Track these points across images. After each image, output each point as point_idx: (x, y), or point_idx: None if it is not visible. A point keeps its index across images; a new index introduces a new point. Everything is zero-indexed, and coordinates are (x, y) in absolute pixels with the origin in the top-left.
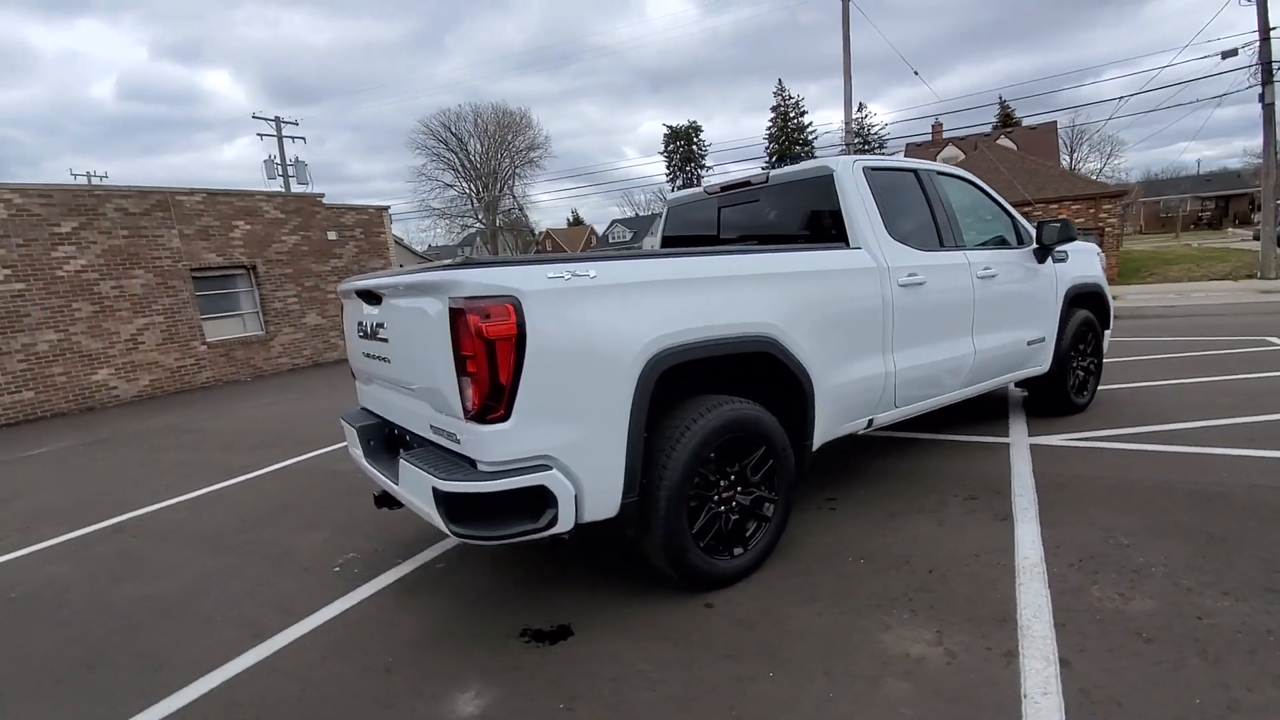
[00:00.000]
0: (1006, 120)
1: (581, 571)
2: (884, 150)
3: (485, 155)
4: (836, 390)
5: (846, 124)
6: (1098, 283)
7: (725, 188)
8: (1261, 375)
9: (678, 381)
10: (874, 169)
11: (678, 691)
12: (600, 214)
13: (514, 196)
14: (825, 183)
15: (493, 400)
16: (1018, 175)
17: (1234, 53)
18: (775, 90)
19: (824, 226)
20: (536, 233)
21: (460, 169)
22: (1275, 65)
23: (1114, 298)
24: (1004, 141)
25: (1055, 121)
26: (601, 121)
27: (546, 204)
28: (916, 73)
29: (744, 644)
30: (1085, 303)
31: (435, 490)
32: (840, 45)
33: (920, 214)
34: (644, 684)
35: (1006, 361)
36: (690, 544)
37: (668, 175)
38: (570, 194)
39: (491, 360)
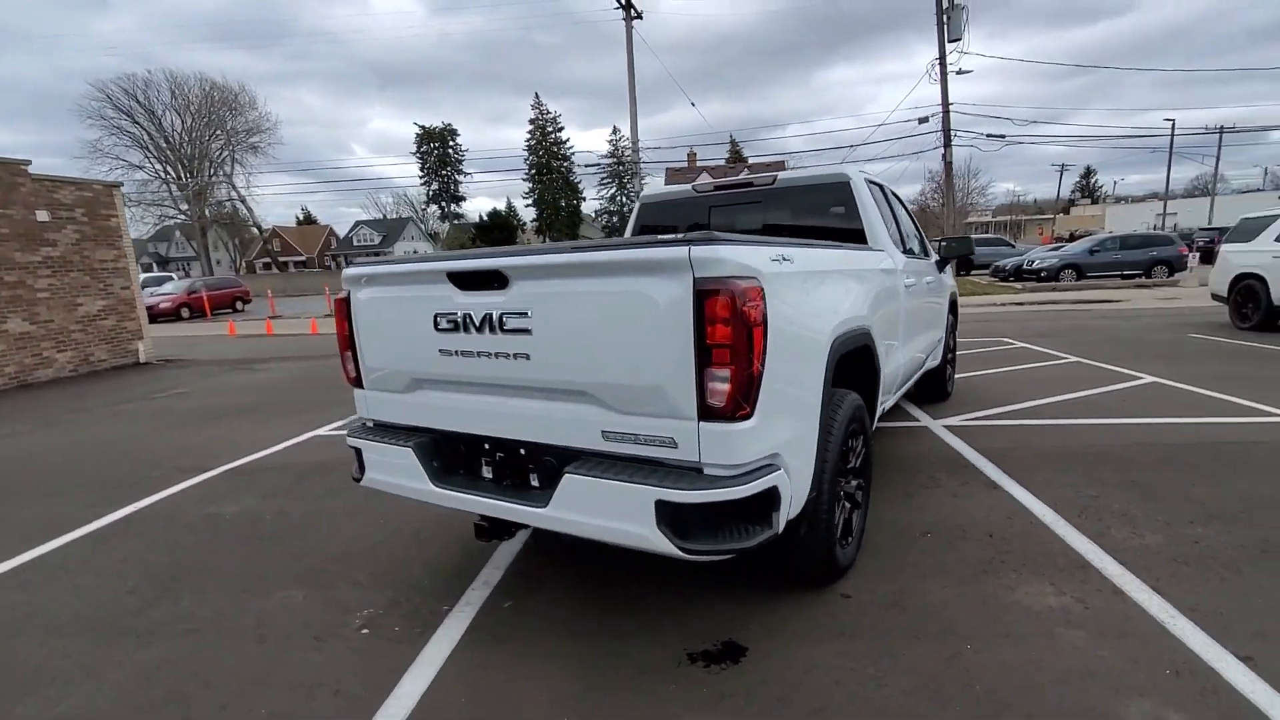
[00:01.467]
0: (737, 157)
1: (663, 583)
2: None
3: (189, 134)
4: (884, 381)
5: (634, 143)
6: (955, 290)
7: (720, 187)
8: (1029, 366)
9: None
10: (868, 180)
11: (911, 682)
12: (331, 214)
13: (234, 186)
14: (843, 188)
15: (744, 395)
16: None
17: (926, 119)
18: (533, 104)
19: (839, 230)
20: (262, 229)
21: (153, 148)
22: (953, 132)
23: None
24: (744, 175)
25: (783, 161)
26: (324, 112)
27: (263, 198)
28: (694, 104)
29: (916, 626)
30: (952, 307)
31: (662, 503)
32: (625, 66)
33: (891, 223)
34: (872, 680)
35: (931, 355)
36: (837, 537)
37: (422, 178)
38: (293, 189)
39: (749, 349)
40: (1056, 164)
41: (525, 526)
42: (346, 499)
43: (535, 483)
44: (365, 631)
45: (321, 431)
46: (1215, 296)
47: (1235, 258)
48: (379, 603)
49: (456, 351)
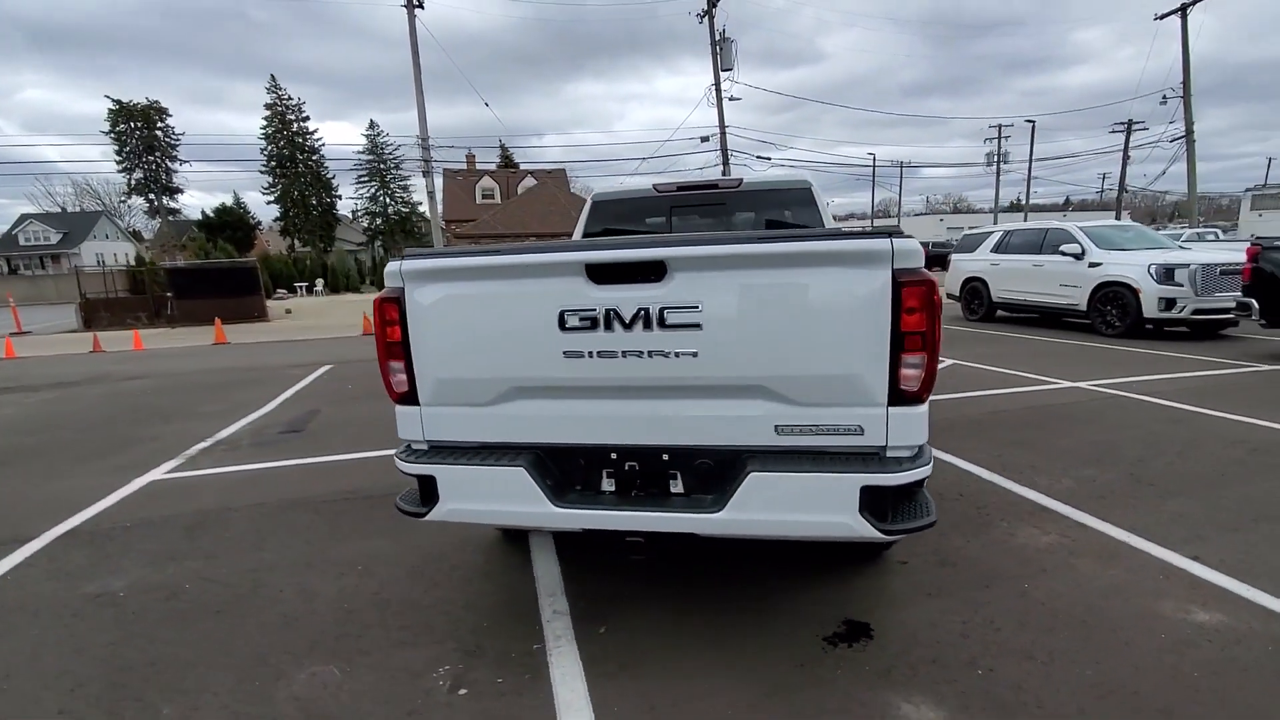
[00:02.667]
0: (508, 162)
1: (732, 580)
2: (399, 171)
3: None
4: None
5: (423, 137)
6: None
7: (683, 187)
8: None
9: None
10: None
11: (1013, 619)
12: None
13: None
14: (805, 193)
15: (930, 380)
16: (576, 211)
17: (707, 139)
18: (269, 87)
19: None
20: None
21: None
22: (732, 152)
23: None
24: (530, 181)
25: (564, 170)
26: None
27: None
28: (487, 104)
29: (975, 576)
30: None
31: (866, 489)
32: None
33: None
34: (986, 624)
35: None
36: None
37: (120, 165)
38: None
39: (935, 336)
40: None
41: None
42: (283, 551)
43: (680, 489)
44: (463, 692)
45: (158, 475)
46: (949, 295)
47: (963, 265)
48: (447, 657)
49: (591, 353)
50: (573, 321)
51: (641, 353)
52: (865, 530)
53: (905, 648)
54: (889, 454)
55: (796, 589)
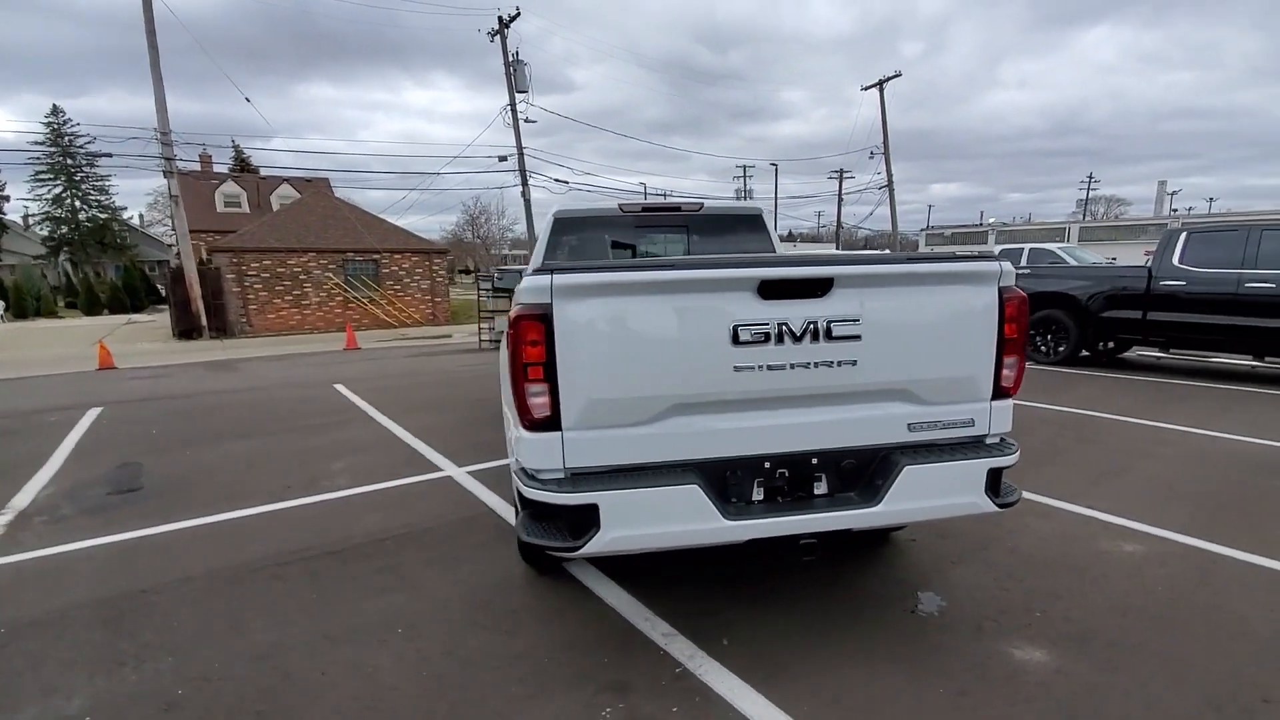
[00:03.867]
0: (244, 166)
1: (793, 570)
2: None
3: None
4: None
5: (163, 133)
6: None
7: (648, 208)
8: None
9: None
10: None
11: (1040, 573)
12: None
13: None
14: (758, 219)
15: (1021, 378)
16: (365, 225)
17: (504, 159)
18: None
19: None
20: None
21: None
22: (530, 173)
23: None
24: (286, 189)
25: (328, 179)
26: None
27: None
28: (249, 99)
29: (962, 546)
30: None
31: (992, 470)
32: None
33: None
34: (1024, 578)
35: None
36: None
37: None
38: None
39: (1024, 340)
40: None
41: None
42: (278, 629)
43: (824, 490)
44: None
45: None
46: None
47: None
48: (598, 699)
49: (761, 366)
50: (746, 336)
51: (808, 364)
52: (988, 507)
53: (973, 607)
54: (987, 441)
55: (855, 576)
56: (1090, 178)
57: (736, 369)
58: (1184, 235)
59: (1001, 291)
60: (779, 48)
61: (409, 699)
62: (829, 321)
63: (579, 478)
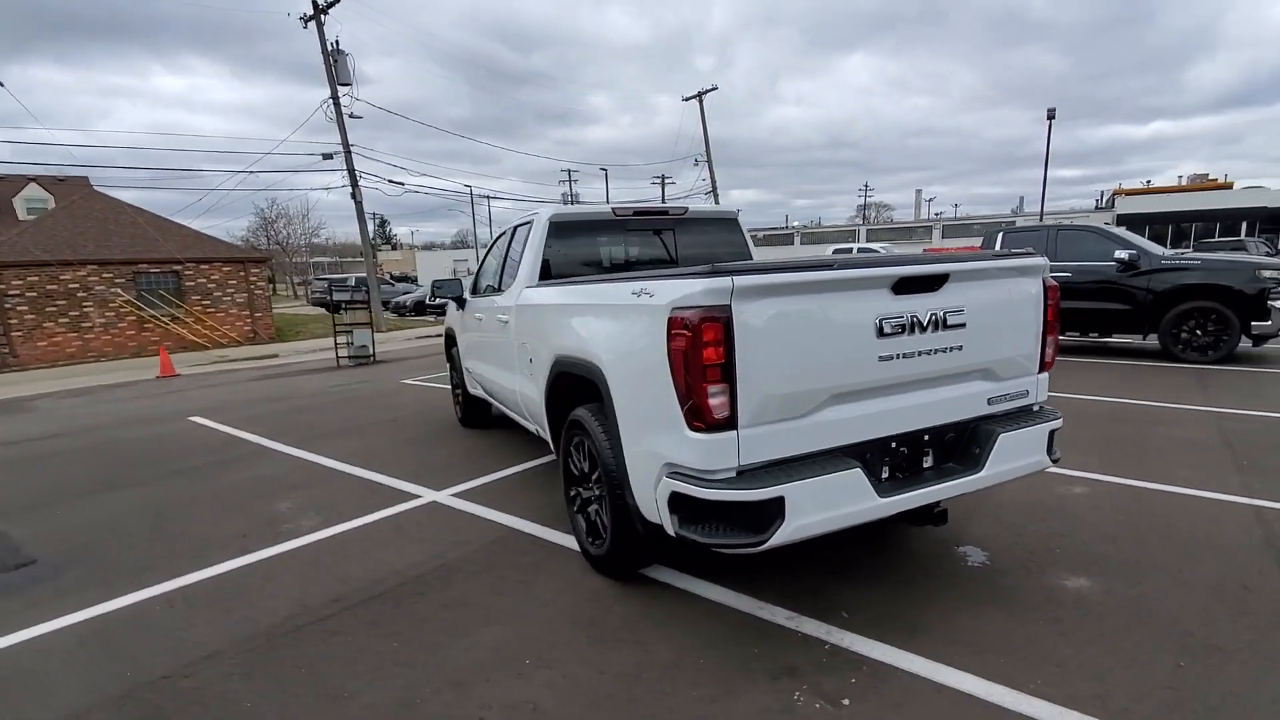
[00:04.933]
0: None
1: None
2: None
3: None
4: None
5: None
6: None
7: (639, 212)
8: None
9: None
10: None
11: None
12: None
13: None
14: (735, 223)
15: (1056, 352)
16: (159, 231)
17: (330, 156)
18: None
19: (732, 258)
20: None
21: None
22: (359, 173)
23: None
24: (34, 190)
25: (87, 177)
26: None
27: None
28: (2, 84)
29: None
30: None
31: (1051, 433)
32: None
33: None
34: (1030, 518)
35: None
36: None
37: None
38: None
39: (1058, 321)
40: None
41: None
42: (383, 687)
43: (930, 463)
44: (846, 702)
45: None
46: None
47: None
48: (777, 687)
49: (897, 355)
50: (887, 328)
51: (931, 350)
52: (1047, 464)
53: (1009, 553)
54: (1035, 408)
55: (899, 545)
56: (866, 186)
57: (880, 359)
58: (1001, 235)
59: (1044, 281)
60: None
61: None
62: (945, 312)
63: (751, 473)
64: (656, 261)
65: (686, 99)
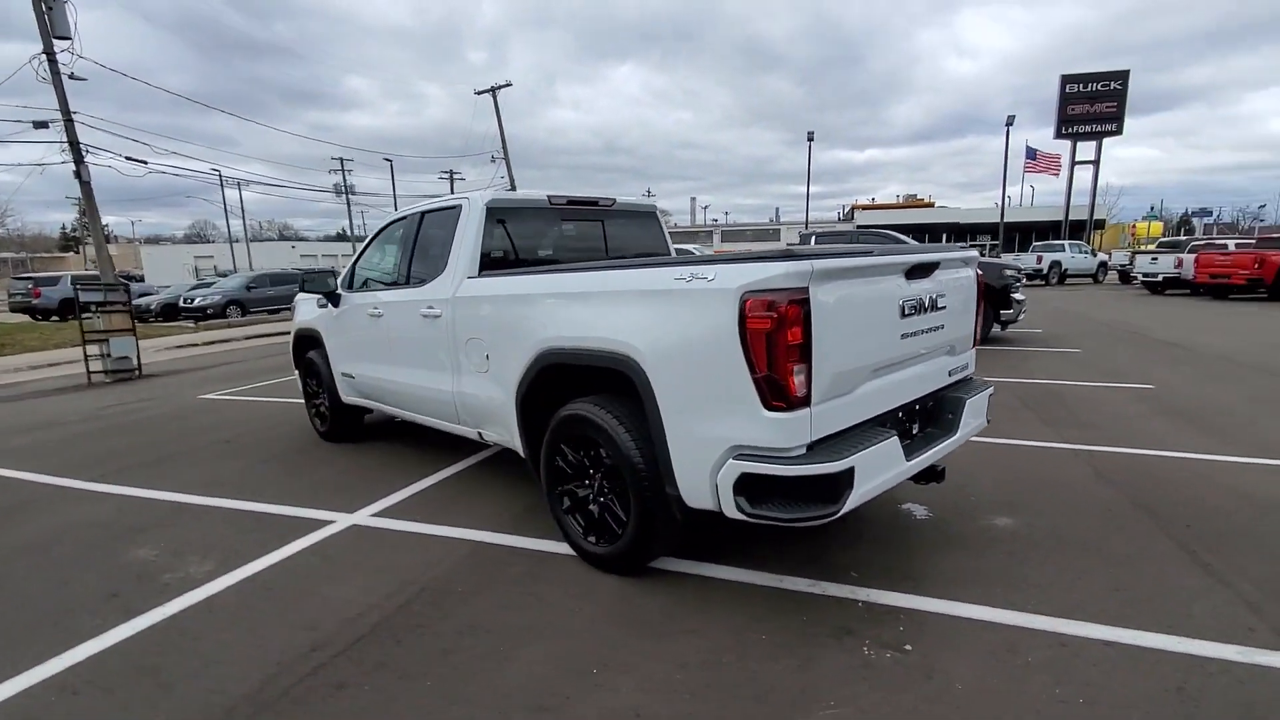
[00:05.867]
0: None
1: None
2: None
3: None
4: None
5: None
6: None
7: (573, 201)
8: None
9: None
10: None
11: None
12: None
13: None
14: (654, 215)
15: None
16: None
17: (45, 125)
18: None
19: (654, 251)
20: None
21: None
22: (84, 146)
23: None
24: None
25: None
26: None
27: None
28: None
29: None
30: None
31: (989, 397)
32: None
33: None
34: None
35: None
36: None
37: None
38: None
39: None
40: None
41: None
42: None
43: (917, 429)
44: (908, 648)
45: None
46: None
47: None
48: (846, 643)
49: (910, 333)
50: (907, 309)
51: (927, 329)
52: (984, 425)
53: (939, 506)
54: (972, 378)
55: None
56: (649, 192)
57: (903, 336)
58: (814, 238)
59: (975, 271)
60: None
61: (713, 714)
62: (936, 295)
63: (817, 448)
64: (589, 250)
65: (479, 92)
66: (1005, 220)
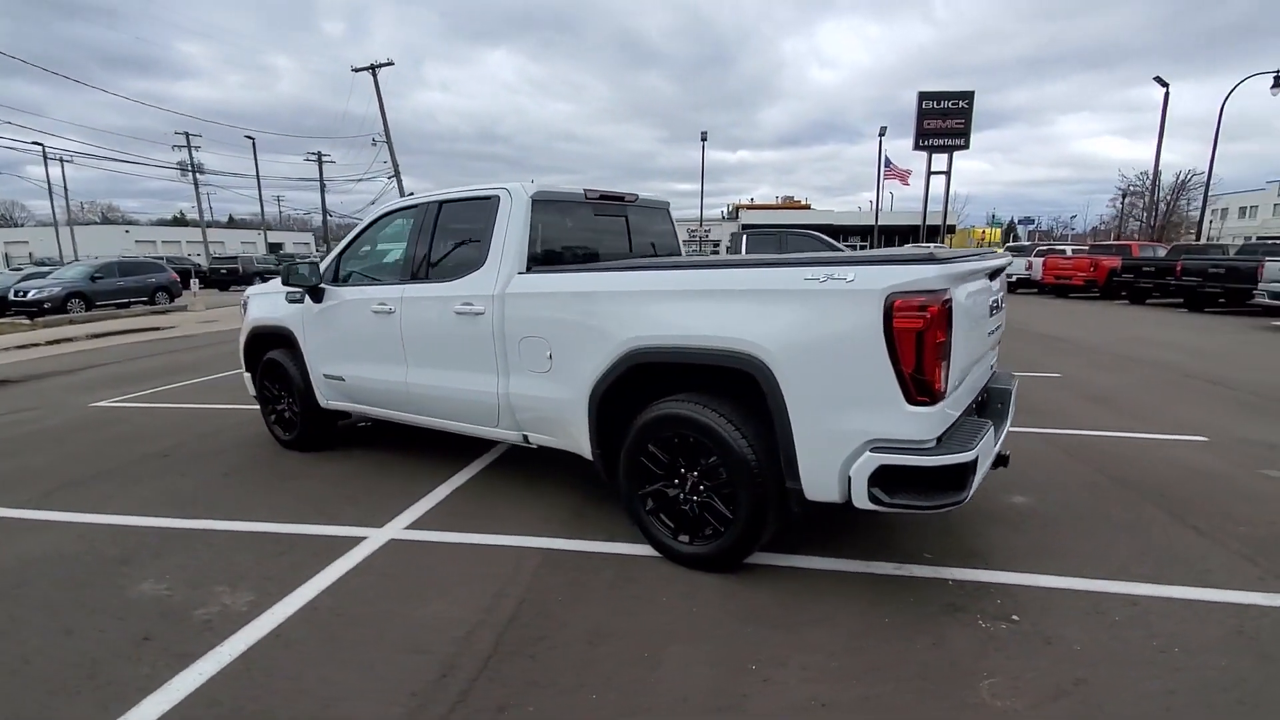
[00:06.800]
0: None
1: None
2: None
3: None
4: None
5: None
6: None
7: (605, 196)
8: None
9: None
10: None
11: None
12: None
13: None
14: (667, 211)
15: None
16: None
17: None
18: None
19: (663, 247)
20: None
21: None
22: None
23: None
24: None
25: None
26: None
27: None
28: None
29: None
30: None
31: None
32: None
33: None
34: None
35: None
36: None
37: None
38: None
39: None
40: None
41: None
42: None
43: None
44: (1016, 618)
45: None
46: None
47: None
48: (958, 621)
49: (991, 329)
50: (992, 308)
51: (997, 326)
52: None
53: None
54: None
55: None
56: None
57: (988, 333)
58: (746, 235)
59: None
60: None
61: (892, 695)
62: (1000, 296)
63: (944, 440)
64: (616, 244)
65: (357, 70)
66: (868, 223)
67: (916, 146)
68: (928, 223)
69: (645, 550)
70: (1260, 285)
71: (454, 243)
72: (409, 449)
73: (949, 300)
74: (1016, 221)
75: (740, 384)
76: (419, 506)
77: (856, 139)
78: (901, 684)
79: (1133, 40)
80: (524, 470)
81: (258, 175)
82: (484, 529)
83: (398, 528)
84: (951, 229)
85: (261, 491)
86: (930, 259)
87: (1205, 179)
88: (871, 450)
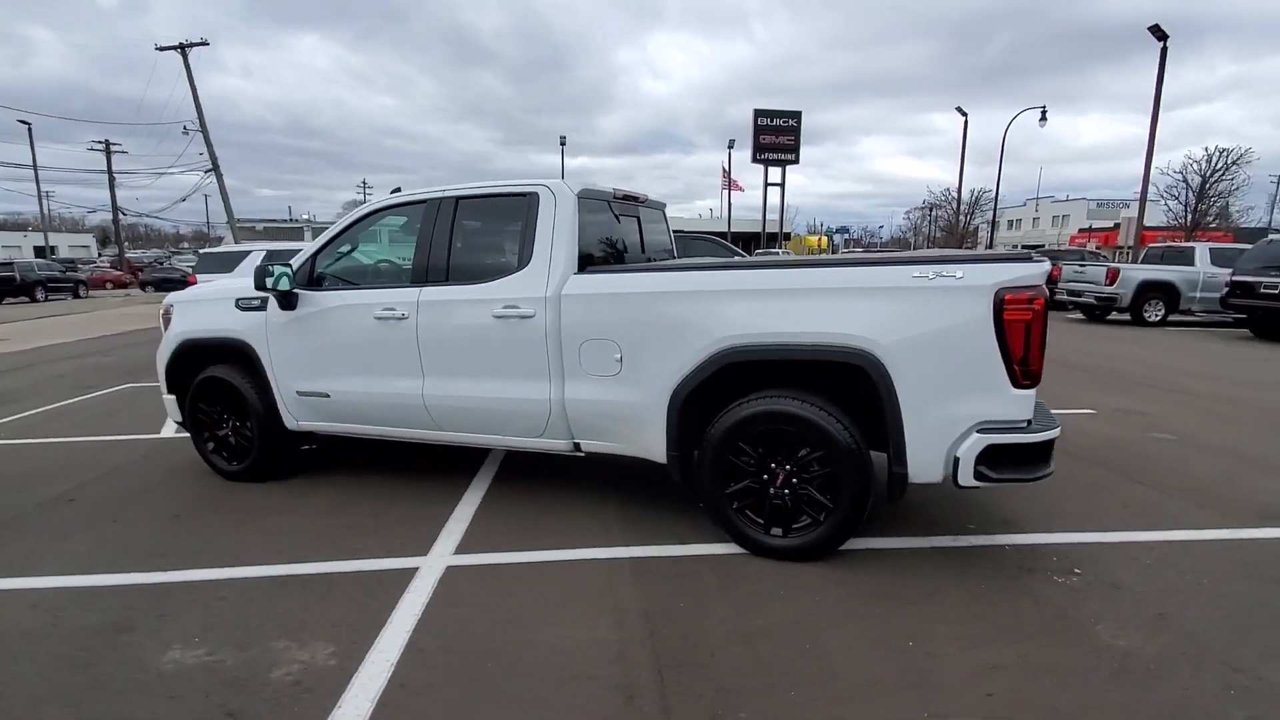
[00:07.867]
0: None
1: None
2: None
3: None
4: None
5: None
6: None
7: (625, 196)
8: None
9: None
10: None
11: None
12: None
13: None
14: (663, 213)
15: None
16: None
17: None
18: None
19: (667, 244)
20: None
21: None
22: None
23: None
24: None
25: None
26: None
27: None
28: None
29: None
30: None
31: None
32: None
33: None
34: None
35: None
36: None
37: None
38: None
39: None
40: None
41: None
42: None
43: None
44: (1078, 572)
45: None
46: None
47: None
48: (1039, 587)
49: None
50: None
51: None
52: None
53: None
54: None
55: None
56: (365, 184)
57: None
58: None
59: None
60: None
61: (1040, 651)
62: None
63: (1038, 419)
64: (632, 243)
65: (161, 49)
66: (711, 231)
67: (754, 160)
68: (766, 230)
69: (723, 548)
70: (1060, 283)
71: (480, 242)
72: (379, 468)
73: (1046, 295)
74: (834, 230)
75: (839, 377)
76: (452, 529)
77: (690, 149)
78: (1039, 638)
79: (918, 72)
80: (532, 481)
81: (35, 166)
82: (542, 545)
83: (446, 554)
84: (788, 236)
85: (239, 531)
86: (1027, 258)
87: (994, 196)
88: (979, 432)
